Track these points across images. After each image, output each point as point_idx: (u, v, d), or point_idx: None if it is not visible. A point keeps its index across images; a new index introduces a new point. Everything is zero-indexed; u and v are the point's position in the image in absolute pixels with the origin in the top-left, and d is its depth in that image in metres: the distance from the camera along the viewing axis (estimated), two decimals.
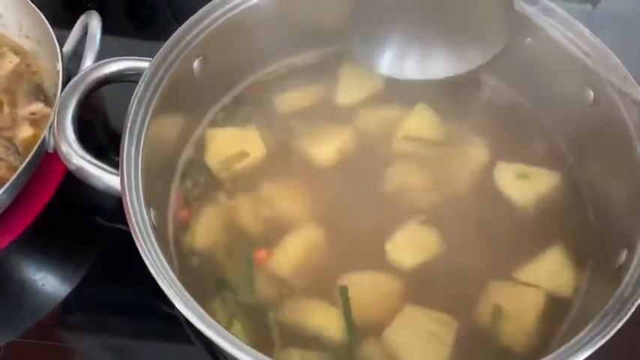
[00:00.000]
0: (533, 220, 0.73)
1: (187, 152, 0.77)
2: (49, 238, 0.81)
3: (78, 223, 0.82)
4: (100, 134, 0.91)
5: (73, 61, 0.81)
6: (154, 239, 0.60)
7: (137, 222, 0.60)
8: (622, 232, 0.65)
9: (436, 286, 0.68)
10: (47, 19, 0.84)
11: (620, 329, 0.55)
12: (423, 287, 0.68)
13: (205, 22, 0.72)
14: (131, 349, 0.74)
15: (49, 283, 0.78)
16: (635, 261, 0.60)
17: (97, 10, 0.84)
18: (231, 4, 0.74)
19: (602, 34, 0.73)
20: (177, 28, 0.72)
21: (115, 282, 0.78)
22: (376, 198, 0.74)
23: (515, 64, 0.78)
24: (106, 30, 0.81)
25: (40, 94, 0.85)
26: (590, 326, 0.55)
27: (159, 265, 0.58)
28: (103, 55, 0.77)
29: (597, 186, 0.74)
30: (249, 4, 0.75)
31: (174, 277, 0.58)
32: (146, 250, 0.58)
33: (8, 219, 0.78)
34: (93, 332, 0.75)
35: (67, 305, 0.76)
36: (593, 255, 0.70)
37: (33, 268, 0.79)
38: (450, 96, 0.80)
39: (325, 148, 0.77)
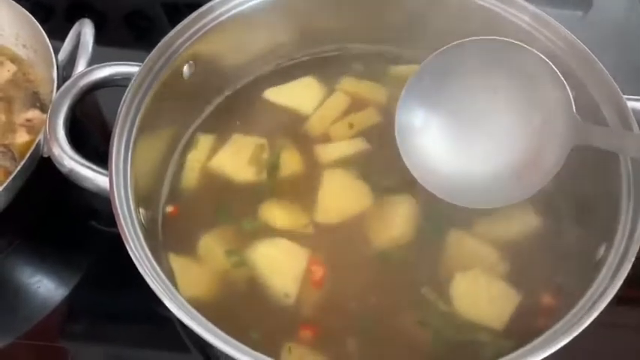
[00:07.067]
0: None
1: (178, 154, 0.78)
2: (45, 243, 0.82)
3: (74, 227, 0.83)
4: (97, 140, 0.92)
5: (69, 69, 0.82)
6: (142, 239, 0.61)
7: (126, 222, 0.61)
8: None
9: None
10: (48, 30, 0.85)
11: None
12: None
13: (194, 28, 0.74)
14: (128, 353, 0.75)
15: (44, 287, 0.79)
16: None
17: (97, 22, 0.85)
18: (220, 10, 0.75)
19: (594, 39, 0.73)
20: None
21: (111, 286, 0.78)
22: None
23: None
24: (106, 41, 0.82)
25: (36, 101, 0.86)
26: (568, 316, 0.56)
27: (147, 264, 0.59)
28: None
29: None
30: (237, 10, 0.76)
31: (163, 276, 0.59)
32: (134, 249, 0.59)
33: (4, 223, 0.78)
34: (89, 336, 0.75)
35: (62, 309, 0.77)
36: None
37: (28, 272, 0.80)
38: None
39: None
